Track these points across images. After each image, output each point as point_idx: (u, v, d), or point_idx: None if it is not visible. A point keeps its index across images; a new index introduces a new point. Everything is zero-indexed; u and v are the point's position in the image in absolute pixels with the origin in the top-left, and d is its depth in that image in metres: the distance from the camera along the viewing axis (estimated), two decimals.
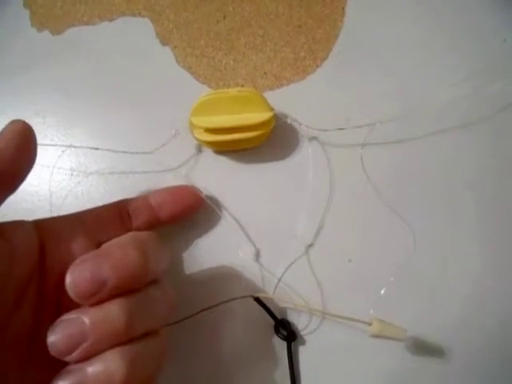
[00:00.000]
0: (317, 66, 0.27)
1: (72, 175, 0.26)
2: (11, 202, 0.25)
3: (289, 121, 0.25)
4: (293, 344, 0.24)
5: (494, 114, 0.26)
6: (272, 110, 0.24)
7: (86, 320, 0.17)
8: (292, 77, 0.27)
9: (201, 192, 0.24)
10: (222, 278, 0.25)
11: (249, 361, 0.24)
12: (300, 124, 0.25)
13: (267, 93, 0.26)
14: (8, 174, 0.17)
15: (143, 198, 0.23)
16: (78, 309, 0.17)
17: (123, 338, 0.17)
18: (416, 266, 0.24)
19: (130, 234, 0.20)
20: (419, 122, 0.26)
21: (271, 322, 0.24)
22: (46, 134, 0.27)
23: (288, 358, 0.24)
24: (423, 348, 0.24)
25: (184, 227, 0.25)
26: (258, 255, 0.25)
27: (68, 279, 0.17)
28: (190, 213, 0.24)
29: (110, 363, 0.16)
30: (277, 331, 0.24)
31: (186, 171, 0.25)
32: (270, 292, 0.24)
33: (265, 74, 0.27)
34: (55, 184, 0.26)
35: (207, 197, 0.24)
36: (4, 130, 0.18)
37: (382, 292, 0.24)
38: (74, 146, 0.26)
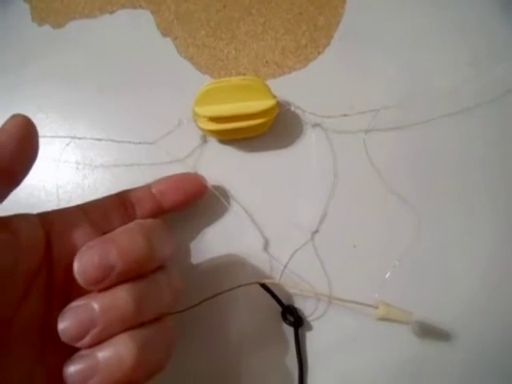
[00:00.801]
0: (318, 53, 0.27)
1: (78, 169, 0.26)
2: (20, 198, 0.26)
3: (292, 108, 0.25)
4: (300, 330, 0.24)
5: (497, 98, 0.25)
6: (275, 97, 0.24)
7: (95, 306, 0.17)
8: (294, 64, 0.27)
9: (204, 180, 0.24)
10: (228, 266, 0.25)
11: (257, 347, 0.24)
12: (303, 111, 0.25)
13: (269, 81, 0.26)
14: (10, 167, 0.17)
15: (146, 188, 0.23)
16: (86, 295, 0.18)
17: (132, 323, 0.17)
18: (421, 250, 0.24)
19: (136, 221, 0.20)
20: (423, 108, 0.25)
21: (278, 308, 0.24)
22: (50, 127, 0.27)
23: (295, 343, 0.24)
24: (429, 331, 0.24)
25: (189, 215, 0.25)
26: (266, 244, 0.25)
27: (76, 266, 0.17)
28: (193, 200, 0.24)
29: (120, 347, 0.17)
30: (284, 317, 0.24)
31: (192, 162, 0.26)
32: (276, 279, 0.24)
33: (266, 62, 0.27)
34: (62, 177, 0.26)
35: (213, 186, 0.24)
36: (5, 124, 0.18)
37: (387, 276, 0.24)
38: (78, 138, 0.26)
